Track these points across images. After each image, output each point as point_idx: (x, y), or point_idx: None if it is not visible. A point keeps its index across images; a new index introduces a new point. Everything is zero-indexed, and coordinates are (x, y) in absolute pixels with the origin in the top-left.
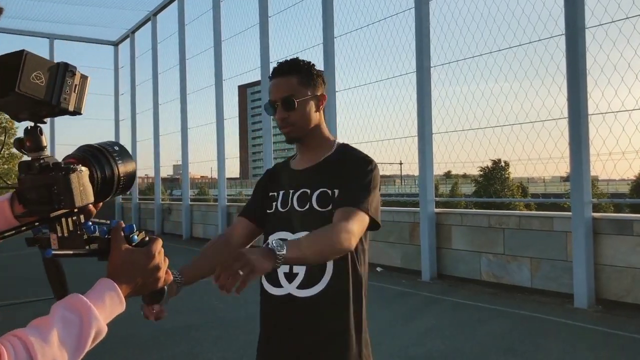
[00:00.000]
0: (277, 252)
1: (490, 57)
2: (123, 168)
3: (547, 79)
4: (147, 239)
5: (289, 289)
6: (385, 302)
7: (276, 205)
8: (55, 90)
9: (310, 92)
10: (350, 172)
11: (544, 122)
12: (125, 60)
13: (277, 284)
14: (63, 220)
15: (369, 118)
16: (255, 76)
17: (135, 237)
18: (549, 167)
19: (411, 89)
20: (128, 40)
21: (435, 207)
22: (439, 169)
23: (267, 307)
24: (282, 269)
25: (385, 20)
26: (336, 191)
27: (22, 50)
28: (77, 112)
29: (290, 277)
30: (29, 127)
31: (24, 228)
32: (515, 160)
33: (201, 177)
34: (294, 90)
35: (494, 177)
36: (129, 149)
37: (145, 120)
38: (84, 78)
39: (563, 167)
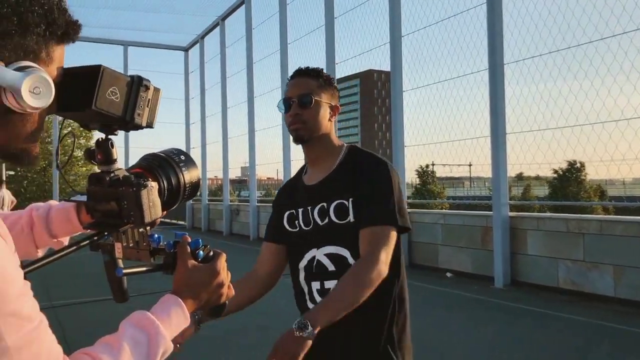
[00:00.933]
0: (304, 334)
1: (569, 52)
2: (188, 176)
3: (633, 75)
4: (211, 253)
5: None
6: (455, 309)
7: (299, 223)
8: (129, 106)
9: (327, 98)
10: (366, 179)
11: (629, 121)
12: (195, 65)
13: (314, 301)
14: (129, 231)
15: (437, 118)
16: None
17: (201, 252)
18: (632, 168)
19: (483, 88)
20: (198, 45)
21: (509, 211)
22: (510, 171)
23: None
24: (314, 286)
25: (455, 17)
26: (351, 199)
27: (100, 66)
28: (148, 126)
29: (323, 293)
30: (100, 140)
31: (95, 238)
32: (593, 161)
33: (267, 178)
34: (312, 90)
35: (569, 179)
36: (199, 151)
37: (214, 123)
38: (156, 91)
39: None
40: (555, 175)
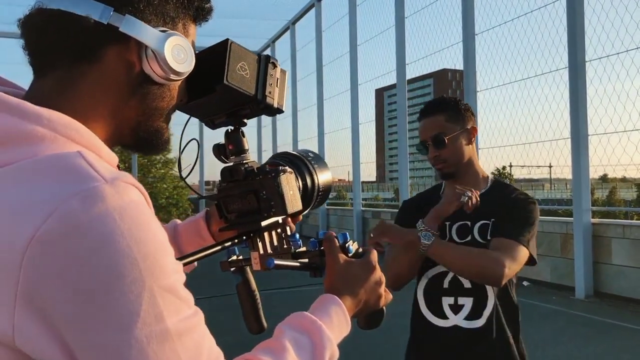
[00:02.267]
0: (422, 241)
1: None
2: (322, 177)
3: None
4: (360, 249)
5: (456, 320)
6: (534, 320)
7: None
8: (260, 83)
9: (460, 126)
10: (511, 208)
11: None
12: None
13: (443, 316)
14: (266, 235)
15: (513, 119)
16: (392, 79)
17: (351, 247)
18: None
19: (562, 87)
20: (269, 49)
21: (592, 217)
22: (594, 172)
23: (431, 337)
24: (447, 301)
25: (532, 13)
26: (493, 221)
27: (227, 40)
28: (279, 109)
29: (456, 308)
30: (230, 130)
31: (229, 243)
32: None
33: (339, 180)
34: (442, 127)
35: None
36: (270, 155)
37: (285, 126)
38: (283, 72)
39: None
40: None
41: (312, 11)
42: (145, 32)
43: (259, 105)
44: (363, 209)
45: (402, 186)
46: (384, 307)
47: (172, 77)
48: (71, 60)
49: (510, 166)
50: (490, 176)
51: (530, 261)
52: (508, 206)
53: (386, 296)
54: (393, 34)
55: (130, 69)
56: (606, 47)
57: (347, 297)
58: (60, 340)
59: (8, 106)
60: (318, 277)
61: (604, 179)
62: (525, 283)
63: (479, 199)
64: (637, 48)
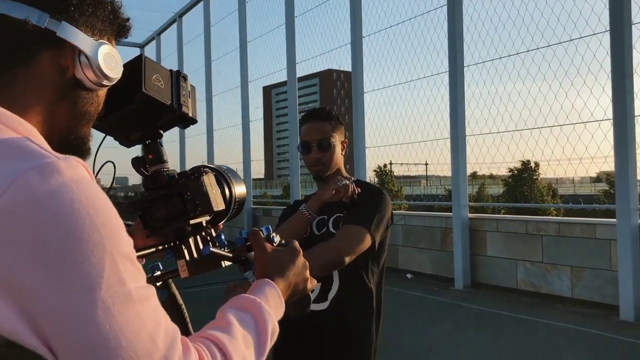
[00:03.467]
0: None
1: (528, 55)
2: (238, 189)
3: (590, 79)
4: (283, 241)
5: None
6: (415, 310)
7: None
8: (174, 94)
9: (339, 137)
10: (361, 200)
11: (586, 124)
12: None
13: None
14: (191, 240)
15: (398, 119)
16: (281, 77)
17: (275, 238)
18: (579, 169)
19: (443, 90)
20: (154, 42)
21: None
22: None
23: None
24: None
25: (416, 19)
26: (345, 212)
27: (141, 54)
28: (193, 118)
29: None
30: (148, 141)
31: (160, 248)
32: (545, 161)
33: None
34: (328, 134)
35: (522, 178)
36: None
37: None
38: (193, 87)
39: (593, 169)
40: (510, 174)
41: (201, 5)
42: (81, 39)
43: (175, 113)
44: (254, 206)
45: (292, 183)
46: (310, 293)
47: (104, 82)
48: (6, 62)
49: (391, 164)
50: (353, 178)
51: (372, 245)
52: (359, 199)
53: (311, 281)
54: (283, 32)
55: (63, 74)
56: (482, 54)
57: (279, 281)
58: (24, 312)
59: None
60: (247, 270)
61: (474, 175)
62: (409, 275)
63: (356, 189)
64: (509, 56)
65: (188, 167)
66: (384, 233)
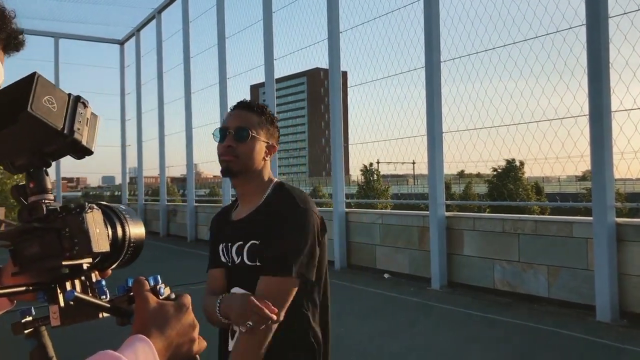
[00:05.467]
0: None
1: (504, 50)
2: (134, 230)
3: (566, 74)
4: (173, 295)
5: (231, 345)
6: (390, 311)
7: (225, 257)
8: (68, 118)
9: (265, 136)
10: (275, 222)
11: (562, 120)
12: (131, 59)
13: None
14: (68, 284)
15: (378, 116)
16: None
17: (163, 289)
18: (566, 167)
19: (420, 86)
20: (133, 38)
21: (447, 210)
22: (452, 168)
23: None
24: (233, 326)
25: (392, 13)
26: (262, 241)
27: (34, 72)
28: (87, 149)
29: (233, 334)
30: (32, 169)
31: (22, 289)
32: (530, 159)
33: (214, 176)
34: (251, 125)
35: (507, 176)
36: (135, 148)
37: (151, 119)
38: (94, 116)
39: (581, 167)
40: (494, 172)
41: (179, 1)
42: None
43: (65, 139)
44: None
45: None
46: (198, 356)
47: None
48: None
49: (378, 162)
50: (274, 183)
51: (305, 282)
52: (276, 223)
53: (199, 343)
54: (261, 28)
55: None
56: (459, 49)
57: (156, 338)
58: None
59: None
60: (126, 324)
61: (461, 174)
62: (386, 275)
63: (271, 319)
64: (486, 51)
65: (168, 165)
66: (313, 262)
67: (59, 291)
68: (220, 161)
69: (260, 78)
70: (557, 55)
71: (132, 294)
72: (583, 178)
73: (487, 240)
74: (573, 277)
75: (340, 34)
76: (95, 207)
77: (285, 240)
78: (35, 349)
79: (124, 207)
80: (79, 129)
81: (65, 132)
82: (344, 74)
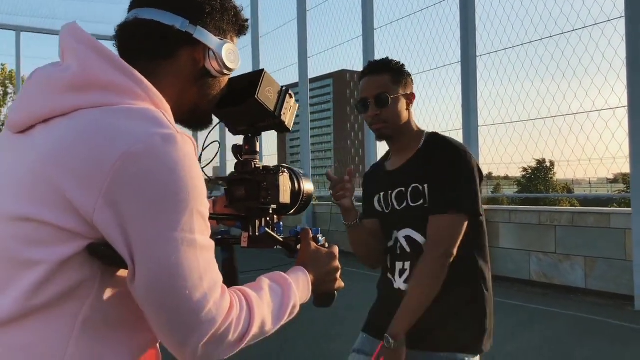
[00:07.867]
0: (391, 346)
1: (541, 44)
2: (306, 186)
3: (604, 66)
4: (327, 245)
5: (398, 283)
6: None
7: (381, 206)
8: (279, 105)
9: (402, 90)
10: (441, 167)
11: (600, 112)
12: None
13: (394, 278)
14: (257, 221)
15: (415, 111)
16: (294, 76)
17: (321, 239)
18: (598, 169)
19: (455, 80)
20: None
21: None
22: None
23: (387, 291)
24: (398, 267)
25: (427, 9)
26: (426, 186)
27: (262, 70)
28: (287, 128)
29: (402, 273)
30: (250, 135)
31: (226, 217)
32: (562, 161)
33: None
34: (386, 87)
35: (537, 177)
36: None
37: None
38: (295, 104)
39: (613, 169)
40: (524, 173)
41: None
42: (211, 39)
43: (275, 120)
44: None
45: None
46: (336, 292)
47: (225, 72)
48: (153, 56)
49: None
50: (426, 132)
51: (475, 216)
52: (442, 165)
53: (339, 283)
54: (295, 27)
55: (196, 65)
56: (495, 44)
57: (312, 273)
58: (121, 227)
59: (123, 70)
60: (292, 257)
61: (489, 177)
62: None
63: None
64: (522, 45)
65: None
66: (479, 199)
67: (256, 223)
68: (373, 129)
69: (290, 79)
70: (595, 48)
71: (299, 237)
72: (614, 180)
73: (523, 232)
74: (610, 268)
75: (375, 31)
76: (285, 170)
77: (453, 179)
78: (227, 259)
79: (300, 170)
80: (284, 113)
81: (275, 114)
82: None
